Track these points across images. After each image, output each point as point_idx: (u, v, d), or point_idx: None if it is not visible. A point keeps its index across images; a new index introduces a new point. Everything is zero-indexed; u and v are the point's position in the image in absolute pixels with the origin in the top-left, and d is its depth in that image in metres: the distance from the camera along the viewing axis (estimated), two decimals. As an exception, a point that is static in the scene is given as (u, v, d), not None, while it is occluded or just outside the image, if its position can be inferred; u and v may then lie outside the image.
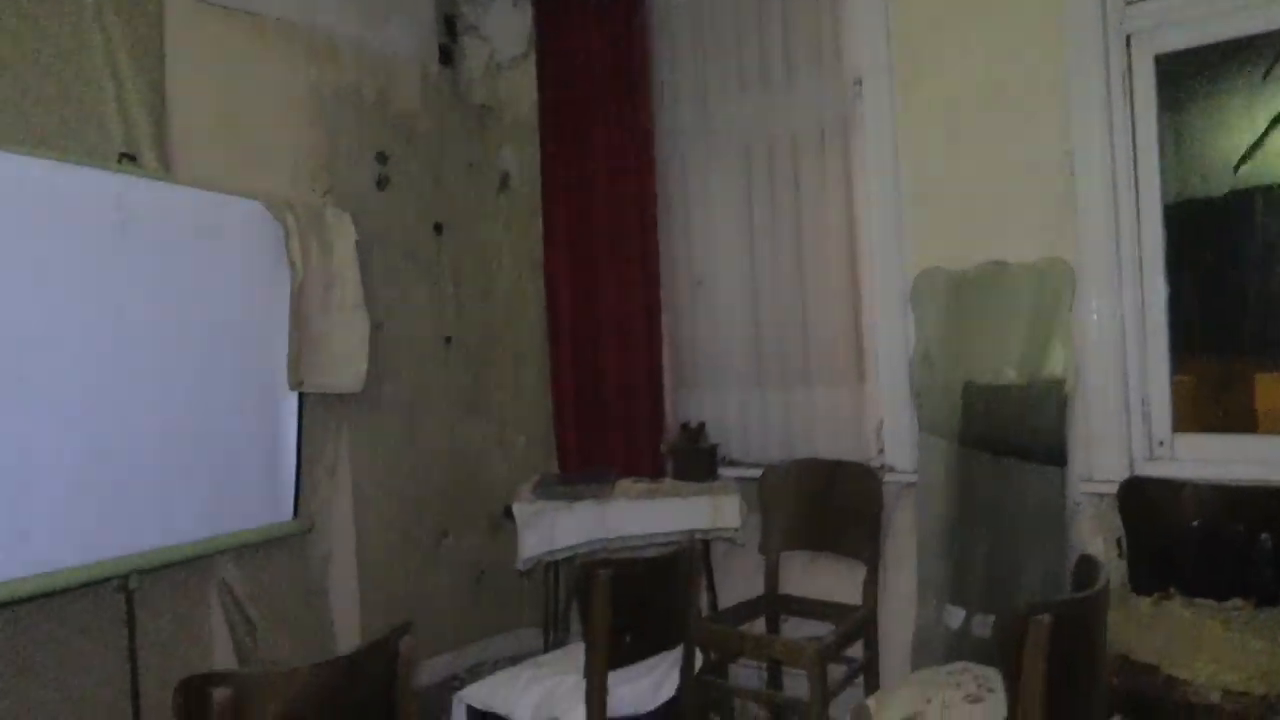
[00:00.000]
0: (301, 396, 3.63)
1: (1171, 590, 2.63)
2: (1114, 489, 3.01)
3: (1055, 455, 3.17)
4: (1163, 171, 3.17)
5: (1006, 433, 3.28)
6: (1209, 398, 3.31)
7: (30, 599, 2.96)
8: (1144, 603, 2.63)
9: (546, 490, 3.68)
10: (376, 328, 4.05)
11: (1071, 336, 3.19)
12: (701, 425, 3.92)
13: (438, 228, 4.54)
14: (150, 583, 3.33)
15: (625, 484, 3.84)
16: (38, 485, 2.84)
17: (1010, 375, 3.28)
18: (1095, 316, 3.17)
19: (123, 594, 3.11)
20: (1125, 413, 3.16)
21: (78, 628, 3.20)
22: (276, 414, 3.58)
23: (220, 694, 1.74)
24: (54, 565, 2.86)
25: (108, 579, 3.06)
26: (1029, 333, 3.26)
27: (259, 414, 3.52)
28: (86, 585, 3.10)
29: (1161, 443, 3.14)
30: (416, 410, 4.37)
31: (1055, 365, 3.20)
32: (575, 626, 3.94)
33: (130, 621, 3.13)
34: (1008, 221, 3.35)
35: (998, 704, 2.17)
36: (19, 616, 3.04)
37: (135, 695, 3.12)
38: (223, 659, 3.57)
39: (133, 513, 3.08)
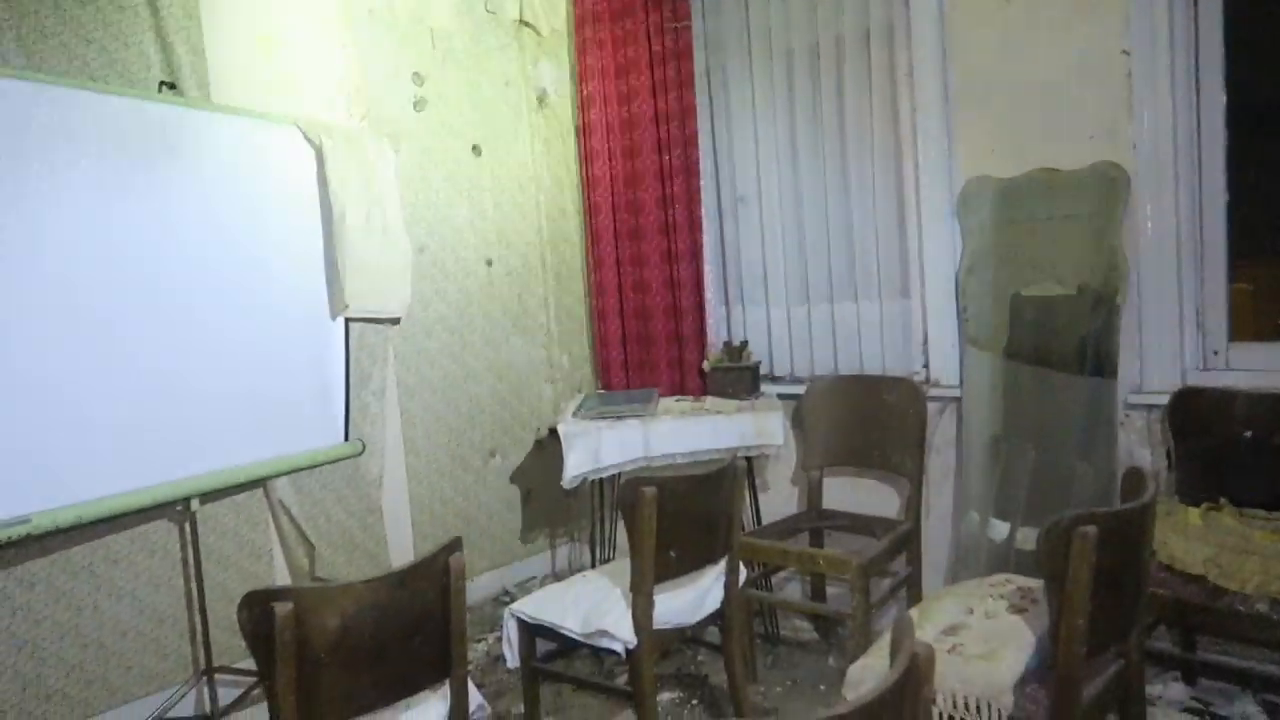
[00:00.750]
0: (348, 322, 3.68)
1: (1221, 501, 2.60)
2: (1165, 400, 2.97)
3: (1105, 367, 3.12)
4: (1226, 72, 3.03)
5: (1054, 345, 3.23)
6: (1266, 306, 3.22)
7: (102, 521, 3.09)
8: (1192, 514, 2.61)
9: (590, 410, 3.72)
10: (419, 251, 4.07)
11: (1124, 245, 3.10)
12: (744, 343, 3.92)
13: (476, 148, 4.50)
14: (212, 505, 3.45)
15: (668, 402, 3.86)
16: (100, 411, 2.94)
17: (1059, 287, 3.22)
18: (1150, 224, 3.08)
19: (186, 516, 3.23)
20: (1179, 322, 3.09)
21: (147, 548, 3.34)
22: (325, 340, 3.63)
23: (282, 608, 1.82)
24: (120, 489, 2.98)
25: (171, 502, 3.18)
26: (1079, 242, 3.19)
27: (308, 340, 3.58)
28: (152, 508, 3.22)
29: (1216, 352, 3.07)
30: (461, 332, 4.42)
31: (1106, 275, 3.12)
32: (621, 542, 4.02)
33: (194, 542, 3.25)
34: (1060, 126, 3.24)
35: (1040, 615, 2.19)
36: (92, 535, 3.18)
37: (203, 610, 3.27)
38: (283, 577, 3.71)
39: (191, 438, 3.17)
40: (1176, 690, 3.06)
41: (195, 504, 3.20)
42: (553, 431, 3.64)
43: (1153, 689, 3.04)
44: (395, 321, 4.00)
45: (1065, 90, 3.22)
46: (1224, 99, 3.02)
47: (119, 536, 3.26)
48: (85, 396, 2.90)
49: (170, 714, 3.22)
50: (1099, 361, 3.13)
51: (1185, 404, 2.88)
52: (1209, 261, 3.08)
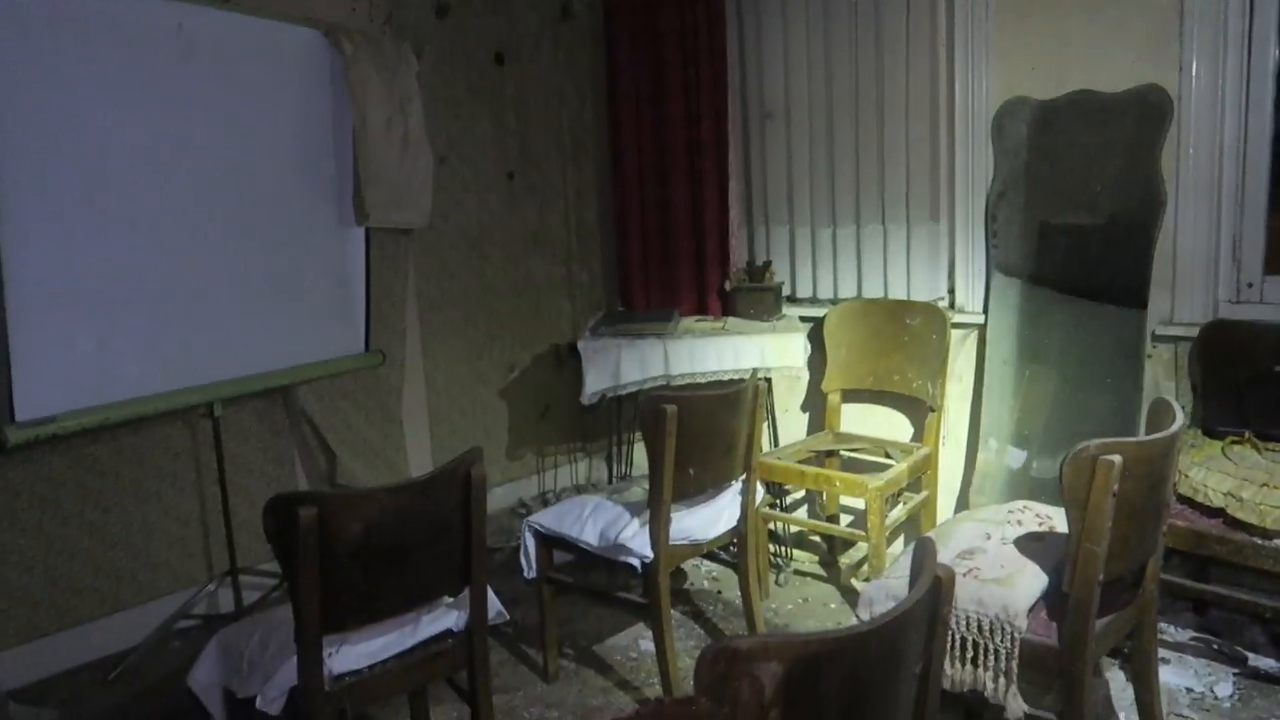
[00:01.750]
0: (369, 232, 3.66)
1: (1245, 435, 2.58)
2: (1194, 332, 2.92)
3: (1135, 297, 3.07)
4: (1282, -11, 2.90)
5: (1083, 274, 3.18)
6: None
7: (127, 423, 3.13)
8: (1215, 447, 2.60)
9: (611, 327, 3.71)
10: (440, 162, 4.01)
11: (1162, 172, 3.02)
12: (767, 263, 3.87)
13: (499, 58, 4.40)
14: (234, 411, 3.49)
15: (689, 322, 3.84)
16: (124, 316, 2.95)
17: (1090, 216, 3.15)
18: (1192, 150, 2.99)
19: (209, 421, 3.27)
20: (1214, 253, 3.02)
21: (172, 451, 3.39)
22: (346, 249, 3.62)
23: (306, 512, 1.84)
24: (145, 392, 3.01)
25: (194, 406, 3.21)
26: (1116, 170, 3.10)
27: (329, 249, 3.56)
28: (175, 412, 3.26)
29: (1250, 285, 3.01)
30: (481, 246, 4.38)
31: (1141, 205, 3.05)
32: (639, 459, 4.05)
33: (218, 446, 3.30)
34: (1103, 46, 3.13)
35: (1057, 541, 2.19)
36: (119, 439, 3.23)
37: (226, 513, 3.33)
38: (304, 483, 3.77)
39: (215, 343, 3.19)
40: (1187, 620, 3.08)
41: (218, 409, 3.24)
42: (572, 348, 3.64)
43: (1163, 618, 3.07)
44: (418, 230, 3.97)
45: (1110, 7, 3.09)
46: (1277, 22, 2.89)
47: (144, 439, 3.31)
48: (108, 300, 2.91)
49: (195, 611, 3.31)
50: (1129, 291, 3.08)
51: (1215, 336, 2.84)
52: (1249, 192, 3.00)
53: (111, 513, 3.25)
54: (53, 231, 2.75)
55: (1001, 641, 2.01)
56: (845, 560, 3.75)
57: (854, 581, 3.52)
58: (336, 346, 3.61)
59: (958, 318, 3.51)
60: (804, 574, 3.70)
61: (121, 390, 2.96)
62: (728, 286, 3.98)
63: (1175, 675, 2.79)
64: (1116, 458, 1.83)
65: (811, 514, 3.92)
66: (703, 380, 3.53)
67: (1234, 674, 2.79)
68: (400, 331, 4.02)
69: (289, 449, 3.74)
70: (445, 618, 2.19)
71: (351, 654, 2.05)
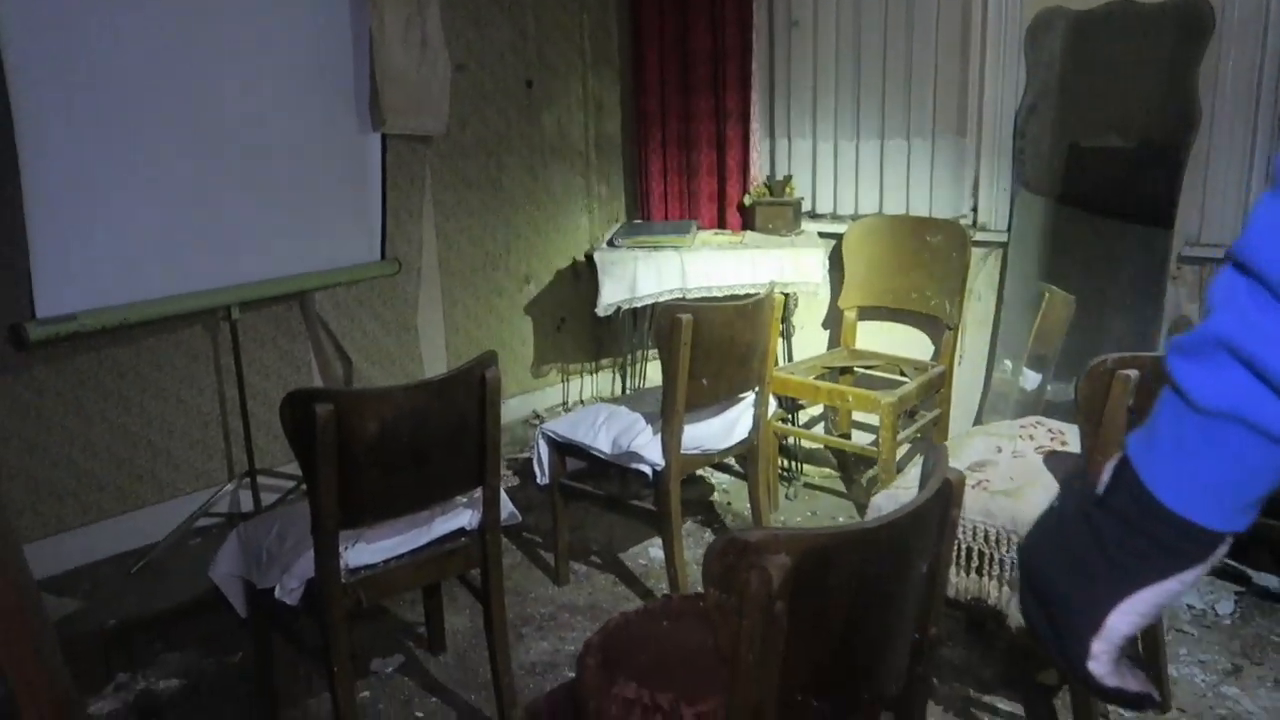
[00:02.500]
0: (385, 139, 3.62)
1: (1266, 357, 2.55)
2: (1221, 254, 2.87)
3: (1162, 216, 3.01)
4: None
5: (1111, 193, 3.12)
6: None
7: (146, 324, 3.16)
8: (1234, 369, 2.57)
9: (628, 239, 3.68)
10: (458, 69, 3.94)
11: (1199, 88, 2.93)
12: (788, 177, 3.81)
13: (518, -40, 4.29)
14: (252, 316, 3.51)
15: (706, 235, 3.81)
16: (142, 217, 2.95)
17: (1120, 139, 3.07)
18: (1231, 65, 2.89)
19: (227, 323, 3.29)
20: (1247, 173, 2.95)
21: (190, 354, 3.42)
22: (363, 156, 3.58)
23: (323, 409, 1.86)
24: (163, 293, 3.03)
25: (212, 309, 3.23)
26: (1151, 87, 3.01)
27: (346, 155, 3.53)
28: (193, 314, 3.28)
29: (1281, 206, 2.95)
30: (499, 155, 4.33)
31: (1175, 124, 2.97)
32: (652, 373, 4.07)
33: (236, 349, 3.32)
34: (1145, -46, 3.01)
35: (1069, 456, 2.20)
36: (138, 340, 3.26)
37: (244, 415, 3.37)
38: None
39: (232, 246, 3.19)
40: (1192, 540, 3.10)
41: (235, 312, 3.25)
42: (589, 259, 3.62)
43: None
44: (435, 137, 3.92)
45: (1157, -88, 2.97)
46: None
47: (163, 341, 3.34)
48: (127, 201, 2.91)
49: (215, 510, 3.38)
50: (1156, 211, 3.02)
51: (1242, 258, 2.79)
52: (1288, 109, 2.91)
53: (132, 412, 3.30)
54: (70, 132, 2.74)
55: (1007, 552, 2.03)
56: (857, 478, 3.78)
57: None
58: (353, 253, 3.61)
59: (979, 235, 3.46)
60: (814, 488, 3.74)
61: (140, 291, 2.98)
62: (747, 201, 3.93)
63: (1178, 593, 2.81)
64: (1133, 372, 1.81)
65: (825, 431, 3.94)
66: (719, 294, 3.51)
67: (1236, 592, 2.82)
68: (417, 240, 4.00)
69: (306, 354, 3.77)
70: (459, 516, 2.23)
71: (367, 549, 2.09)
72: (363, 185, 3.60)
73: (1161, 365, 0.62)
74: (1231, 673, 2.45)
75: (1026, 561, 0.73)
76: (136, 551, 3.27)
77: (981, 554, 2.06)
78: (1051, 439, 2.33)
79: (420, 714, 2.41)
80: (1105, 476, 0.67)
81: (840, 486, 3.74)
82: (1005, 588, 2.05)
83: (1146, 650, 2.28)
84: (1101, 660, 0.67)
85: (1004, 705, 2.34)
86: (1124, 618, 0.66)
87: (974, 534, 2.06)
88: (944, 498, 1.36)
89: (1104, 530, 0.66)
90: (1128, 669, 0.69)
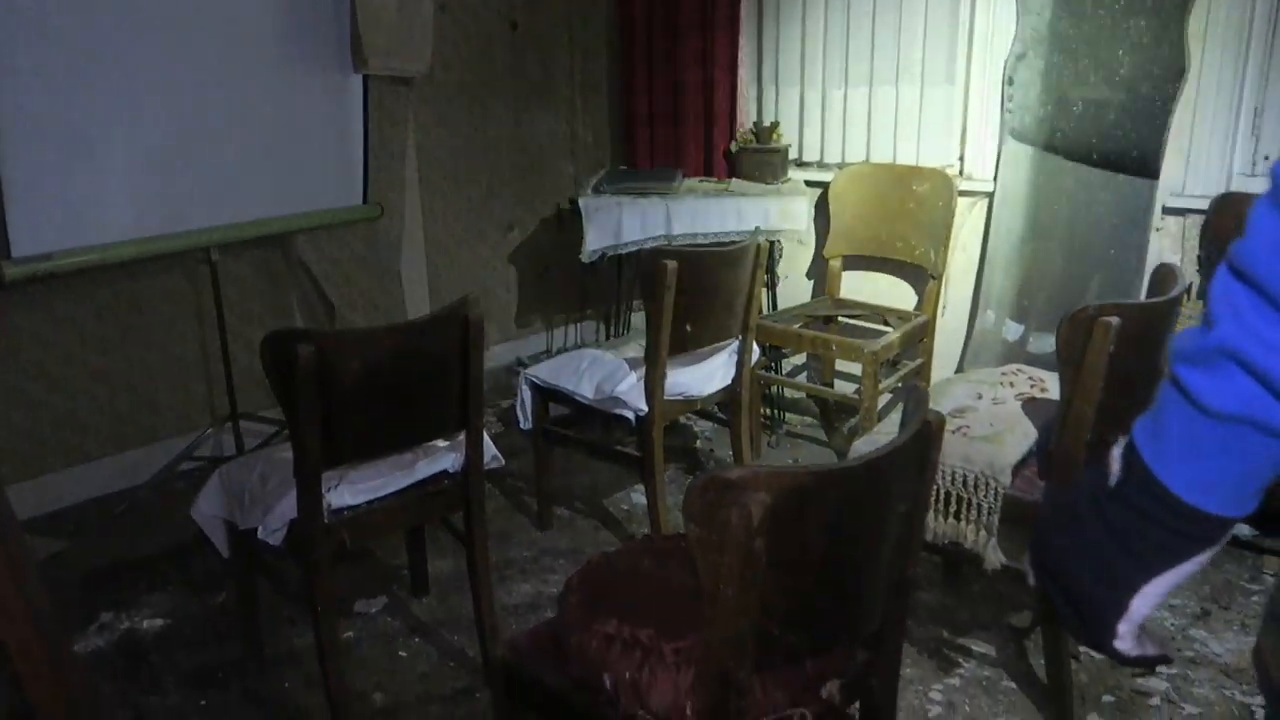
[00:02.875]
0: (367, 80, 3.55)
1: (1245, 308, 2.57)
2: (1204, 204, 2.88)
3: (1148, 166, 3.01)
4: None
5: (1097, 143, 3.11)
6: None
7: (124, 266, 3.12)
8: (1213, 319, 2.59)
9: (613, 184, 3.65)
10: (440, 9, 3.86)
11: (1188, 37, 2.91)
12: (775, 124, 3.78)
13: (502, -103, 4.19)
14: (233, 260, 3.47)
15: (692, 182, 3.78)
16: (118, 153, 2.90)
17: (1109, 90, 3.05)
18: (1224, 12, 2.87)
19: (207, 266, 3.26)
20: (1234, 124, 2.94)
21: (171, 297, 3.39)
22: (345, 97, 3.52)
23: (304, 350, 1.85)
24: (141, 234, 2.99)
25: (191, 250, 3.19)
26: (1142, 36, 2.99)
27: (328, 96, 3.47)
28: (173, 256, 3.24)
29: (1267, 157, 2.95)
30: (483, 99, 4.27)
31: (1165, 73, 2.95)
32: (636, 322, 4.06)
33: (216, 292, 3.29)
34: (1140, -102, 2.96)
35: (1048, 404, 2.22)
36: (116, 282, 3.22)
37: (226, 359, 3.35)
38: (305, 332, 3.78)
39: (211, 188, 3.15)
40: (1167, 489, 3.15)
41: (215, 254, 3.22)
42: (573, 205, 3.59)
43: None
44: (418, 80, 3.86)
45: None
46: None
47: (142, 284, 3.30)
48: (103, 140, 2.86)
49: (198, 454, 3.37)
50: (1142, 161, 3.02)
51: (1226, 209, 2.80)
52: (1275, 63, 2.90)
53: (112, 355, 3.27)
54: (45, 69, 2.69)
55: (985, 496, 2.05)
56: (839, 426, 3.81)
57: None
58: (334, 197, 3.57)
59: (966, 185, 3.45)
60: (797, 436, 3.77)
61: (118, 232, 2.94)
62: (733, 147, 3.90)
63: (1151, 540, 2.86)
64: (1114, 319, 1.82)
65: (808, 380, 3.96)
66: (704, 241, 3.49)
67: (1208, 540, 2.87)
68: (399, 185, 3.95)
69: (287, 298, 3.74)
70: (442, 459, 2.23)
71: (350, 490, 2.09)
72: (344, 127, 3.55)
73: (1166, 368, 0.64)
74: (1200, 616, 2.50)
75: (1042, 556, 0.78)
76: (120, 494, 3.27)
77: (960, 499, 2.09)
78: (1032, 386, 2.35)
79: (404, 654, 2.44)
80: (1115, 467, 0.70)
81: (822, 435, 3.76)
82: (983, 532, 2.08)
83: (1118, 594, 2.32)
84: (1126, 639, 0.73)
85: (978, 647, 2.39)
86: (1146, 600, 0.71)
87: (953, 479, 2.08)
88: (924, 439, 1.37)
89: (1120, 523, 0.69)
90: (1146, 637, 0.75)
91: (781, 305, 3.85)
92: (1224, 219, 2.78)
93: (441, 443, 2.25)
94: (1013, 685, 2.25)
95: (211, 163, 3.14)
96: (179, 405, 3.47)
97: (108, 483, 3.29)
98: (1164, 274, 2.08)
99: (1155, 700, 2.19)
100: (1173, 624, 2.47)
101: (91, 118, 2.82)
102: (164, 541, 3.00)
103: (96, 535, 3.06)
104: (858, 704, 1.57)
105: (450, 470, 2.24)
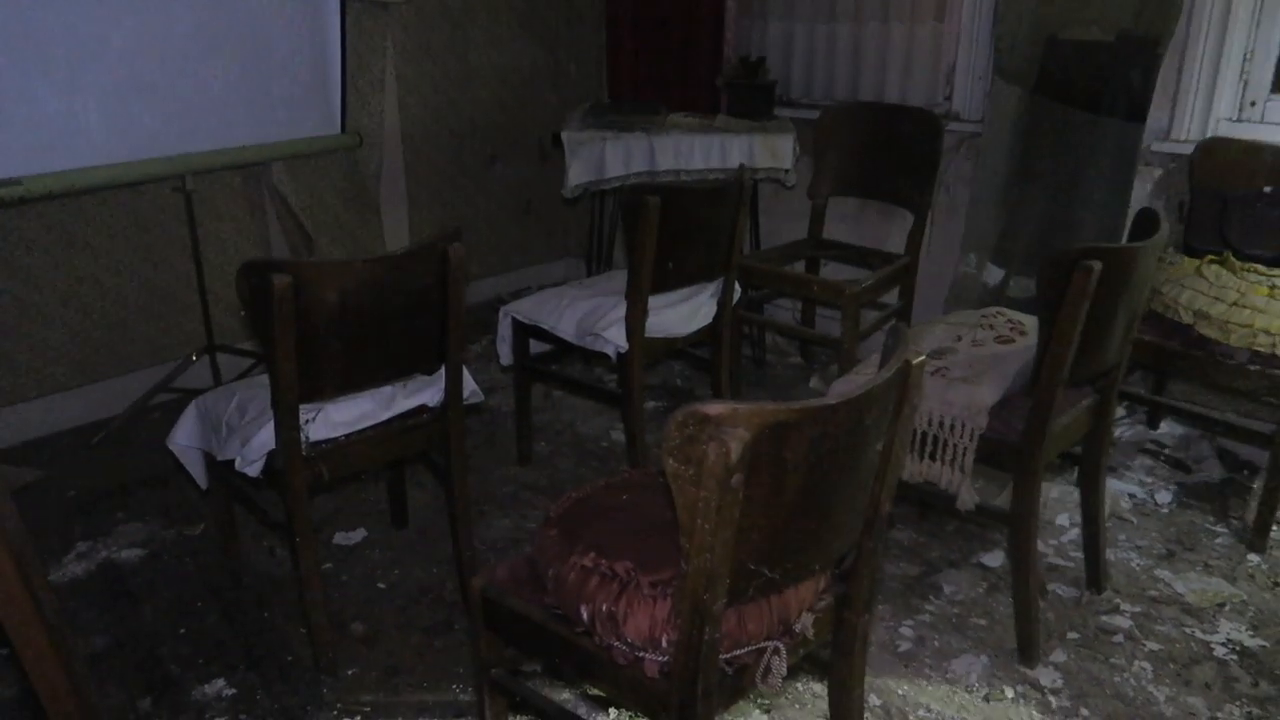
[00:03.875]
0: (345, 5, 3.45)
1: (1225, 255, 2.58)
2: (1189, 149, 2.87)
3: (1135, 110, 2.99)
4: None
5: (1085, 85, 3.08)
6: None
7: (96, 192, 3.06)
8: (1191, 264, 2.60)
9: (596, 118, 3.59)
10: (420, -70, 3.75)
11: (1183, -22, 2.88)
12: (761, 60, 3.71)
13: None
14: (207, 186, 3.40)
15: (677, 117, 3.72)
16: (87, 75, 2.82)
17: (1099, 31, 3.01)
18: (1216, -46, 2.83)
19: (181, 194, 3.19)
20: (1222, 69, 2.92)
21: (144, 225, 3.33)
22: (322, 23, 3.42)
23: (280, 279, 1.82)
24: (112, 160, 2.92)
25: (164, 177, 3.12)
26: (1136, -29, 2.95)
27: (304, 21, 3.37)
28: (144, 182, 3.18)
29: (1253, 103, 2.94)
30: (465, 27, 4.17)
31: (1155, 16, 2.91)
32: (618, 258, 4.03)
33: (191, 221, 3.23)
34: None
35: (1026, 346, 2.23)
36: (86, 210, 3.16)
37: (203, 289, 3.31)
38: (282, 264, 3.73)
39: (184, 113, 3.07)
40: (1140, 432, 3.20)
41: (189, 182, 3.16)
42: (556, 139, 3.53)
43: (1118, 428, 3.18)
44: (397, 4, 3.75)
45: None
46: None
47: (116, 211, 3.24)
48: (72, 60, 2.78)
49: (174, 385, 3.35)
50: (1130, 104, 3.00)
51: (1211, 153, 2.79)
52: (1268, 6, 2.87)
53: (85, 283, 3.22)
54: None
55: (961, 438, 2.07)
56: (821, 366, 3.82)
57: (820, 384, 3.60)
58: (311, 125, 3.49)
59: (954, 125, 3.42)
60: (778, 375, 3.78)
61: (89, 156, 2.87)
62: (719, 83, 3.84)
63: (1121, 482, 2.92)
64: (1096, 263, 1.83)
65: (791, 319, 3.96)
66: (688, 178, 3.46)
67: (1177, 483, 2.92)
68: (379, 114, 3.88)
69: (264, 229, 3.68)
70: (422, 393, 2.22)
71: (328, 422, 2.09)
72: (321, 53, 3.46)
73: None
74: (1165, 557, 2.56)
75: None
76: (96, 424, 3.25)
77: (936, 439, 2.11)
78: (1011, 328, 2.36)
79: (383, 585, 2.46)
80: None
81: (804, 375, 3.78)
82: (958, 472, 2.10)
83: (1086, 535, 2.37)
84: None
85: (948, 585, 2.44)
86: None
87: (929, 420, 2.10)
88: (902, 378, 1.37)
89: None
90: None
91: (766, 243, 3.83)
92: (1208, 164, 2.78)
93: (422, 375, 2.24)
94: (981, 622, 2.30)
95: (185, 88, 3.06)
96: (155, 335, 3.43)
97: (83, 413, 3.27)
98: (1145, 218, 2.08)
99: (1119, 637, 2.24)
100: (1139, 564, 2.52)
101: (60, 39, 2.73)
102: (141, 472, 2.99)
103: (72, 465, 3.04)
104: (830, 636, 1.60)
105: (430, 404, 2.24)
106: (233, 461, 2.08)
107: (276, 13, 3.28)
